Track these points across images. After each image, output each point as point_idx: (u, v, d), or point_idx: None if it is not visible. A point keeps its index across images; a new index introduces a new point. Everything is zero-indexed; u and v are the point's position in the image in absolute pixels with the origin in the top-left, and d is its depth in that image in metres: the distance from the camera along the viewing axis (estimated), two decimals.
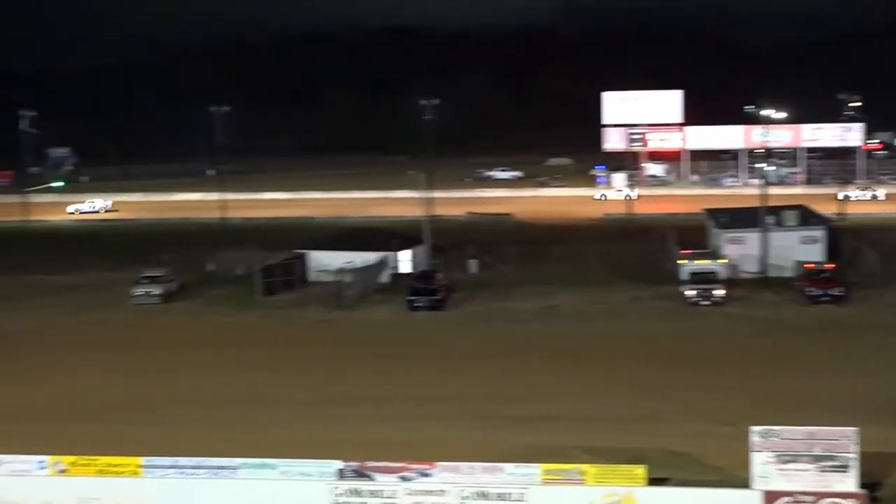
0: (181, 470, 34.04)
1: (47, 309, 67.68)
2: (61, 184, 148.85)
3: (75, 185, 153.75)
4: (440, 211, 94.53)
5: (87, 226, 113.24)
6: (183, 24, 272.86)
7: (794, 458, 31.01)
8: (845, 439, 30.80)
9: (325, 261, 71.52)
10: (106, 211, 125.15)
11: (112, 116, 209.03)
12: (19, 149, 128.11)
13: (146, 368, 51.48)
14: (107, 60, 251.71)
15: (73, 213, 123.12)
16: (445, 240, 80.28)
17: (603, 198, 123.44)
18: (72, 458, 34.84)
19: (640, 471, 31.75)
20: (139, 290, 67.94)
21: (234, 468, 33.81)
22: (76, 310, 67.27)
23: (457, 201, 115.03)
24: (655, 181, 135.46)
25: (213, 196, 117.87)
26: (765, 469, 31.19)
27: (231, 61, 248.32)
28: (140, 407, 45.00)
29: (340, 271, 67.66)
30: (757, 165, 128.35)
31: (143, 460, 34.27)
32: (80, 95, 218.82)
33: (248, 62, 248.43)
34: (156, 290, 67.98)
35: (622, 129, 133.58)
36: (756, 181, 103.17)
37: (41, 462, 34.95)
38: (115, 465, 34.41)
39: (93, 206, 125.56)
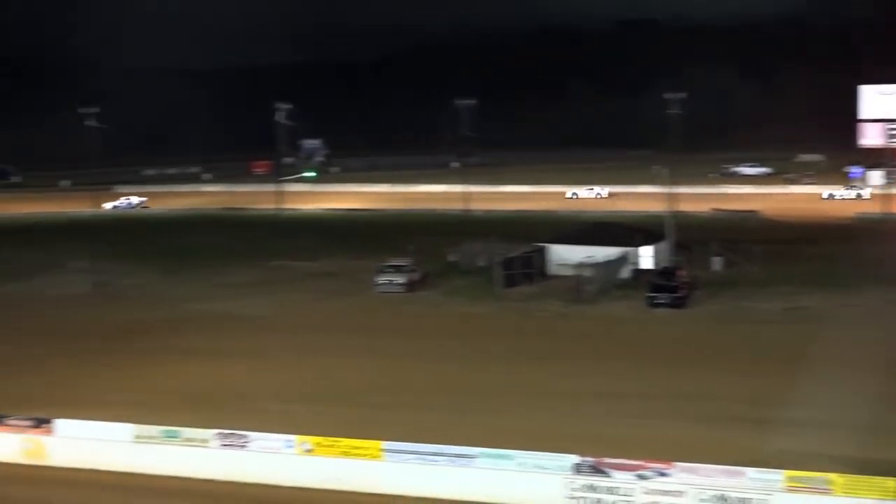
0: (421, 456, 34.68)
1: (297, 294, 70.49)
2: (313, 174, 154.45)
3: (326, 176, 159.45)
4: (684, 207, 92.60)
5: (337, 215, 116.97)
6: (431, 18, 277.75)
7: None
8: None
9: (566, 255, 71.35)
10: (142, 207, 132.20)
11: (362, 108, 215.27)
12: (275, 140, 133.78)
13: (388, 354, 52.84)
14: (359, 54, 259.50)
15: (110, 210, 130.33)
16: (688, 236, 78.51)
17: (574, 196, 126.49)
18: (317, 439, 36.03)
19: (893, 483, 30.09)
20: (383, 279, 69.66)
21: (471, 457, 34.15)
22: (323, 296, 69.72)
23: (701, 197, 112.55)
24: None
25: (457, 188, 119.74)
26: None
27: (477, 54, 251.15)
28: (382, 391, 46.16)
29: (580, 265, 67.39)
30: None
31: (384, 444, 35.08)
32: (332, 88, 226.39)
33: (493, 55, 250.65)
34: (399, 279, 69.50)
35: (880, 124, 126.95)
36: None
37: (289, 441, 36.33)
38: (358, 448, 35.36)
39: (128, 202, 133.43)
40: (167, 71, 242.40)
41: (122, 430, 38.37)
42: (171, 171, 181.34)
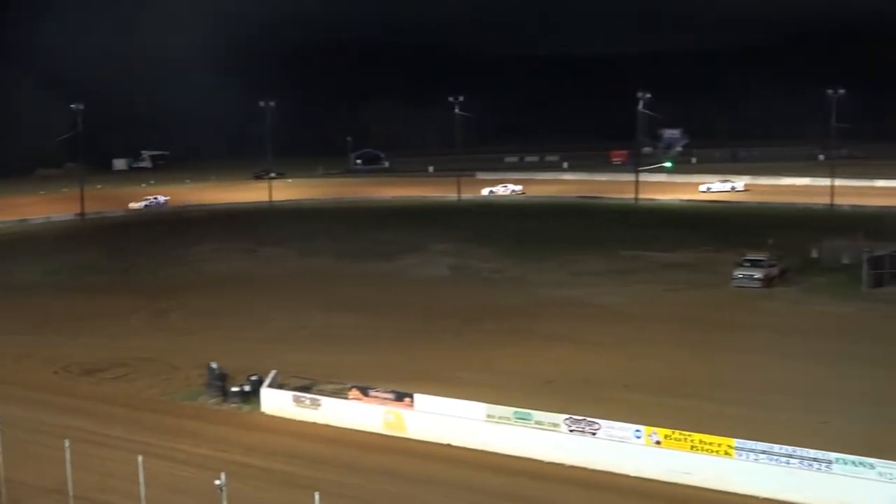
0: (773, 457, 33.59)
1: (650, 285, 70.12)
2: (670, 164, 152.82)
3: (684, 166, 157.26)
4: None
5: (695, 206, 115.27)
6: (790, 7, 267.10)
7: None
8: None
9: None
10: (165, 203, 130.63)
11: (724, 98, 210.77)
12: (635, 129, 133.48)
13: (739, 350, 51.39)
14: (721, 42, 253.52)
15: (140, 207, 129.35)
16: None
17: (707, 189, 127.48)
18: (666, 431, 35.71)
19: None
20: (740, 273, 67.91)
21: (828, 462, 32.66)
22: (677, 287, 68.91)
23: None
24: None
25: (823, 181, 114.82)
26: None
27: (848, 42, 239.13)
28: (728, 386, 44.92)
29: None
30: None
31: (735, 442, 34.26)
32: (694, 77, 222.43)
33: (863, 43, 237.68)
34: (757, 273, 67.47)
35: None
36: None
37: (638, 431, 36.24)
38: (708, 443, 34.73)
39: (156, 200, 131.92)
40: (529, 59, 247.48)
41: (476, 409, 39.67)
42: (532, 158, 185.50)
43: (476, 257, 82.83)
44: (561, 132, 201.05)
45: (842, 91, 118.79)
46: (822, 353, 50.64)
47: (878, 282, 65.20)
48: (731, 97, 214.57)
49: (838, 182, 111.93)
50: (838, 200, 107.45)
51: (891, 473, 31.51)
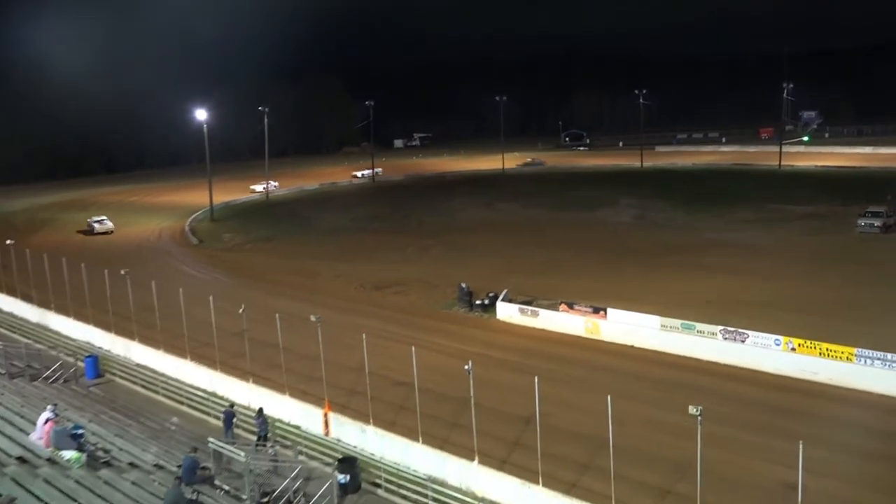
0: (886, 363, 31.57)
1: (789, 230, 66.53)
2: (807, 139, 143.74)
3: (819, 140, 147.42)
4: None
5: (827, 171, 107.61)
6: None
7: None
8: None
9: None
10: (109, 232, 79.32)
11: (852, 85, 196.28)
12: (779, 111, 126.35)
13: (859, 280, 48.07)
14: (851, 40, 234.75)
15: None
16: None
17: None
18: (800, 340, 34.14)
19: None
20: (863, 222, 63.50)
21: None
22: (810, 232, 65.12)
23: None
24: None
25: None
26: None
27: None
28: (852, 307, 42.16)
29: None
30: None
31: (856, 350, 32.36)
32: (827, 69, 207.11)
33: None
34: (876, 222, 62.89)
35: None
36: None
37: (777, 340, 34.77)
38: (833, 350, 33.01)
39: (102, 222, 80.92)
40: (694, 61, 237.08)
41: (653, 320, 39.04)
42: (697, 135, 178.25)
43: (654, 209, 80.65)
44: (722, 114, 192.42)
45: None
46: None
47: None
48: (857, 84, 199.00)
49: None
50: None
51: None
